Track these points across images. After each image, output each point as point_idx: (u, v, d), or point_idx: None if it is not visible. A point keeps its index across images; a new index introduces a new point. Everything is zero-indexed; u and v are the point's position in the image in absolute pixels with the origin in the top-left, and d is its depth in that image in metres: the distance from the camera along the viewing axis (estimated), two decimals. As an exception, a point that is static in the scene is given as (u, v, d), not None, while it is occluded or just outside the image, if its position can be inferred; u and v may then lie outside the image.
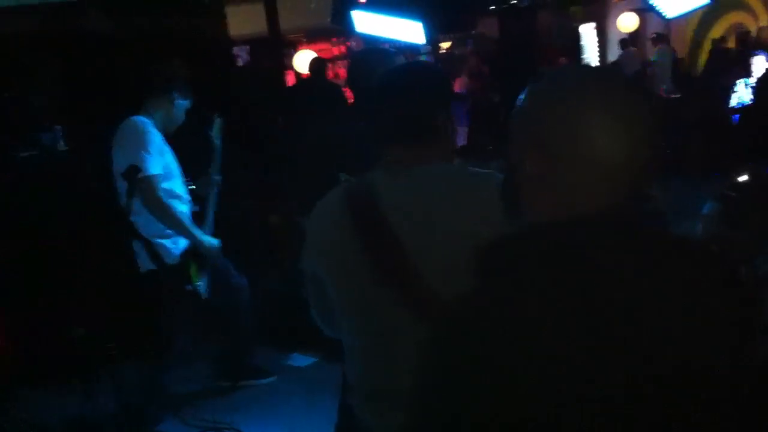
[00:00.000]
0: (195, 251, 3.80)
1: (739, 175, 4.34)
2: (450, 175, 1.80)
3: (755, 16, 12.66)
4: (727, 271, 1.04)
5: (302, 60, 9.36)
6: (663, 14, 4.63)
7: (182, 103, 3.92)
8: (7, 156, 5.63)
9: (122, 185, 3.59)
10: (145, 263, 3.70)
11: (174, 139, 3.92)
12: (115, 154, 3.74)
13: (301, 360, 5.04)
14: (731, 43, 11.28)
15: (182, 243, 3.74)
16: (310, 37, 12.05)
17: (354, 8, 5.23)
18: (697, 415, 0.95)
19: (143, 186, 3.44)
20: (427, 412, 1.05)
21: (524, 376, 0.95)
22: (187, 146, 4.01)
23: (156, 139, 3.71)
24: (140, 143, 3.64)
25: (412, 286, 1.69)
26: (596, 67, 1.22)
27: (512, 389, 0.95)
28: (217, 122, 4.14)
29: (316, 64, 7.73)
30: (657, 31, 12.34)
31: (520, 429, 0.95)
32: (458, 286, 1.55)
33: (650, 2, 4.52)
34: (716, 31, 12.52)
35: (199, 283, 3.81)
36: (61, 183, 5.48)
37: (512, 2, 4.40)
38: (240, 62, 10.23)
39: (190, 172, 4.04)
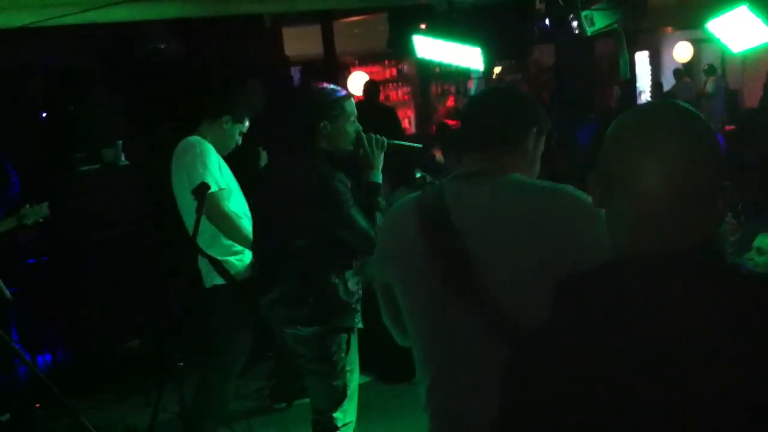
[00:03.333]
0: None
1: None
2: (526, 187, 1.79)
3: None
4: None
5: (356, 83, 9.45)
6: (728, 48, 4.60)
7: (235, 127, 3.88)
8: (70, 168, 5.78)
9: (185, 203, 3.65)
10: (210, 278, 3.74)
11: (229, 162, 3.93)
12: (176, 173, 3.78)
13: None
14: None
15: (247, 259, 3.77)
16: (362, 60, 12.15)
17: (416, 33, 5.30)
18: None
19: (209, 202, 3.45)
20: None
21: (588, 408, 1.01)
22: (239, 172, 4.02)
23: (213, 157, 3.74)
24: (200, 161, 3.66)
25: (475, 295, 1.71)
26: (670, 101, 1.23)
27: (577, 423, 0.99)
28: (262, 155, 4.17)
29: (370, 87, 7.80)
30: (710, 62, 12.20)
31: None
32: (522, 294, 1.63)
33: (715, 35, 4.48)
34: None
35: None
36: (122, 197, 5.61)
37: (574, 31, 4.40)
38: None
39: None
